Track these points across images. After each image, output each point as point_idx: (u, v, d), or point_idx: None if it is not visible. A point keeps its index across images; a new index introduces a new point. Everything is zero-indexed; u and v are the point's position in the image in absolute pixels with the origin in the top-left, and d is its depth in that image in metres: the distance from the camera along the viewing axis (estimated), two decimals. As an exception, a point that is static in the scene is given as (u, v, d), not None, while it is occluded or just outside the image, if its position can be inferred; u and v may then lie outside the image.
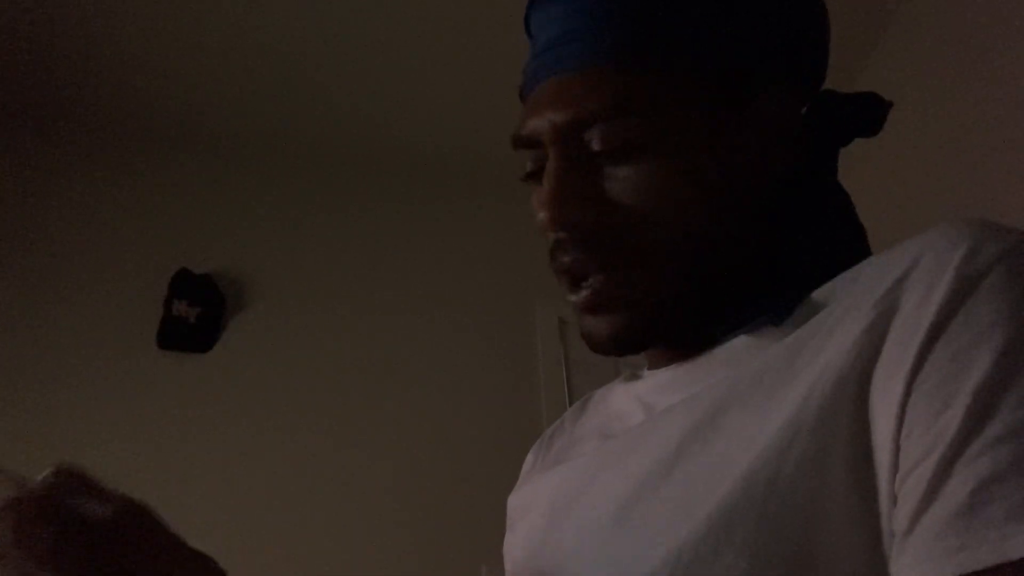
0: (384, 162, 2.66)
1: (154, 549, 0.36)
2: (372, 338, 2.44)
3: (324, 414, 2.28)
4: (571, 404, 2.74)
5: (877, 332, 0.40)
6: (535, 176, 0.55)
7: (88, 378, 2.12)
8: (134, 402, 2.13)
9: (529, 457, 0.72)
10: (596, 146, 0.50)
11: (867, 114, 0.55)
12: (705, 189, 0.50)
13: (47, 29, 2.07)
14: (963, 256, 0.39)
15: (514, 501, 0.64)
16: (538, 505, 0.56)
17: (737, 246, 0.52)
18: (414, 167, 2.69)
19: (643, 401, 0.56)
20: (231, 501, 2.08)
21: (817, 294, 0.48)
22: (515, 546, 0.59)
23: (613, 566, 0.44)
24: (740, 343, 0.50)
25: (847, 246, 0.53)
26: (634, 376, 0.63)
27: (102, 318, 2.19)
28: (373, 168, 2.66)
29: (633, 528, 0.44)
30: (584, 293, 0.51)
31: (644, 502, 0.44)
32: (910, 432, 0.37)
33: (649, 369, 0.60)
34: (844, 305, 0.44)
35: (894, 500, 0.37)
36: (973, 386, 0.36)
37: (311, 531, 2.10)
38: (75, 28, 2.07)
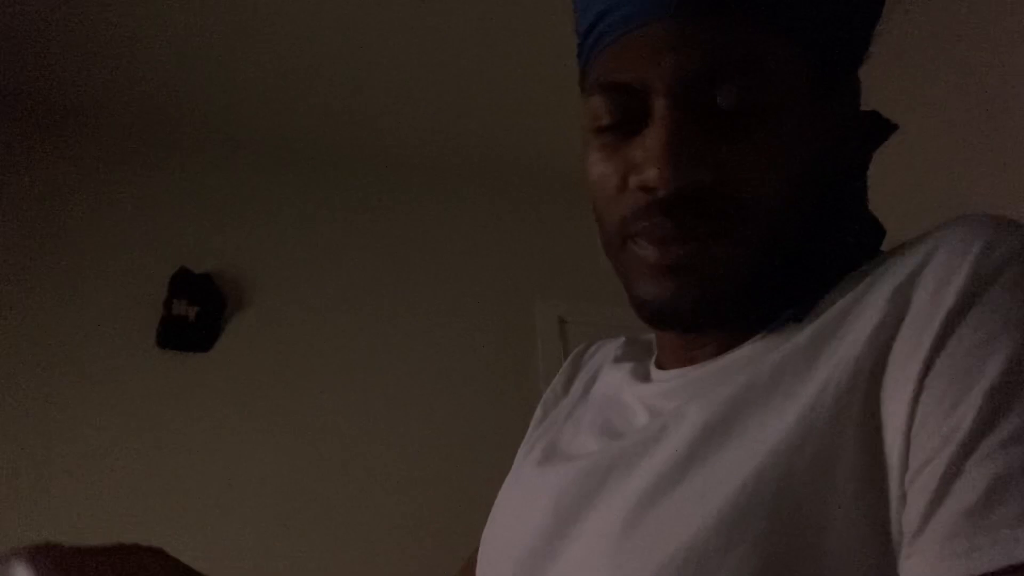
0: (384, 162, 2.66)
1: None
2: (372, 337, 2.44)
3: (324, 413, 2.28)
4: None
5: (889, 328, 0.40)
6: (616, 128, 0.49)
7: (88, 377, 2.11)
8: (134, 401, 2.12)
9: (523, 445, 0.70)
10: (726, 102, 0.45)
11: (878, 131, 0.54)
12: (804, 171, 0.48)
13: (47, 29, 2.07)
14: (977, 253, 0.39)
15: (506, 492, 0.62)
16: (539, 503, 0.54)
17: (808, 234, 0.50)
18: (415, 166, 2.69)
19: (649, 404, 0.54)
20: (231, 500, 2.08)
21: (835, 290, 0.47)
22: (505, 543, 0.56)
23: (624, 568, 0.43)
24: (758, 340, 0.49)
25: (868, 242, 0.53)
26: (637, 364, 0.61)
27: (102, 317, 2.19)
28: (373, 168, 2.66)
29: (645, 532, 0.43)
30: (674, 254, 0.47)
31: (656, 506, 0.44)
32: (921, 429, 0.37)
33: (658, 366, 0.59)
34: (860, 301, 0.43)
35: (904, 499, 0.37)
36: (986, 384, 0.35)
37: (310, 530, 2.10)
38: (75, 29, 2.07)
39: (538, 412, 0.70)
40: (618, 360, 0.64)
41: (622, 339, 0.64)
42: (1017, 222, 0.41)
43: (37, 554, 0.37)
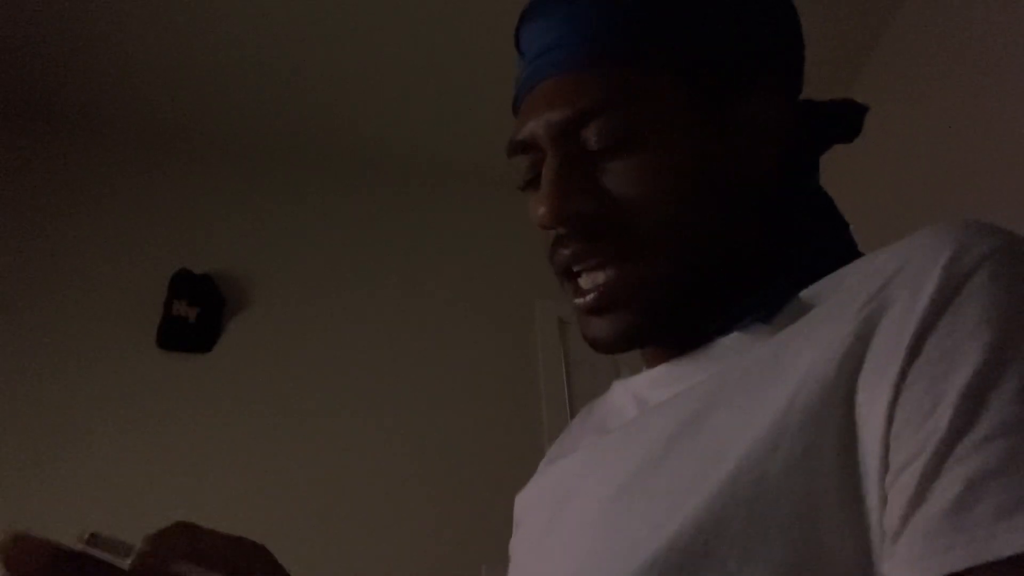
0: (384, 162, 2.66)
1: None
2: (371, 338, 2.44)
3: (323, 414, 2.29)
4: (571, 404, 2.73)
5: (864, 333, 0.40)
6: (533, 183, 0.56)
7: (88, 378, 2.12)
8: (134, 402, 2.13)
9: (541, 465, 0.73)
10: (593, 142, 0.51)
11: (845, 120, 0.56)
12: (693, 183, 0.51)
13: (47, 29, 2.07)
14: (949, 257, 0.39)
15: (519, 501, 0.65)
16: (539, 503, 0.57)
17: (727, 242, 0.52)
18: (414, 167, 2.69)
19: (637, 396, 0.57)
20: (231, 501, 2.08)
21: (805, 293, 0.48)
22: (518, 545, 0.60)
23: (603, 562, 0.44)
24: (730, 341, 0.51)
25: (834, 246, 0.54)
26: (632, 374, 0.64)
27: (102, 318, 2.20)
28: (373, 168, 2.66)
29: (620, 525, 0.44)
30: (590, 296, 0.52)
31: (631, 498, 0.45)
32: (899, 433, 0.37)
33: (647, 368, 0.61)
34: (831, 305, 0.44)
35: (884, 500, 0.38)
36: (961, 386, 0.36)
37: (310, 531, 2.10)
38: (76, 29, 2.07)
39: (554, 445, 0.72)
40: (620, 383, 0.67)
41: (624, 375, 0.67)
42: (991, 226, 0.42)
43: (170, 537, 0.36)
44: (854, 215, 0.61)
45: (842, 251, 0.53)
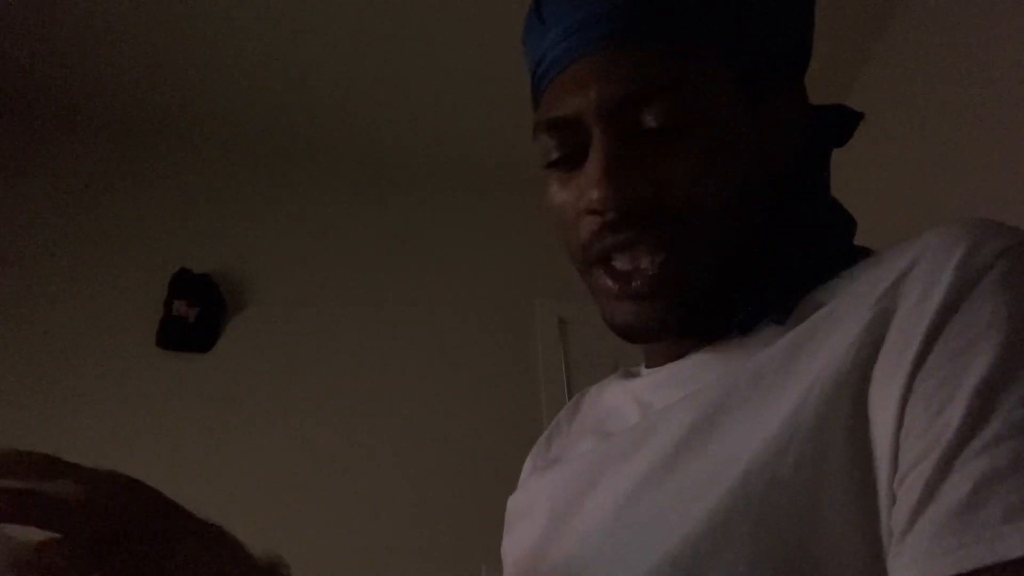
0: (384, 161, 2.66)
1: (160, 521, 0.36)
2: (371, 338, 2.44)
3: (323, 414, 2.28)
4: (571, 404, 2.70)
5: (876, 332, 0.40)
6: (563, 163, 0.53)
7: (88, 377, 2.11)
8: (134, 402, 2.13)
9: (528, 462, 0.72)
10: (652, 122, 0.48)
11: (843, 125, 0.56)
12: (737, 173, 0.50)
13: (47, 28, 2.07)
14: (962, 256, 0.39)
15: (513, 504, 0.64)
16: (538, 506, 0.56)
17: (756, 236, 0.52)
18: (414, 166, 2.69)
19: (640, 399, 0.56)
20: (230, 500, 2.08)
21: (817, 293, 0.48)
22: (513, 547, 0.59)
23: (613, 566, 0.44)
24: (741, 342, 0.50)
25: (844, 244, 0.54)
26: (630, 373, 0.63)
27: (102, 318, 2.19)
28: (373, 167, 2.66)
29: (633, 528, 0.44)
30: (636, 282, 0.50)
31: (644, 502, 0.44)
32: (909, 432, 0.37)
33: (647, 367, 0.60)
34: (843, 304, 0.44)
35: (893, 499, 0.37)
36: (971, 386, 0.36)
37: (310, 531, 2.10)
38: (75, 28, 2.07)
39: (539, 444, 0.71)
40: (617, 379, 0.66)
41: (621, 370, 0.66)
42: (1002, 225, 0.42)
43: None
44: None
45: (852, 250, 0.53)
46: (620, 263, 0.50)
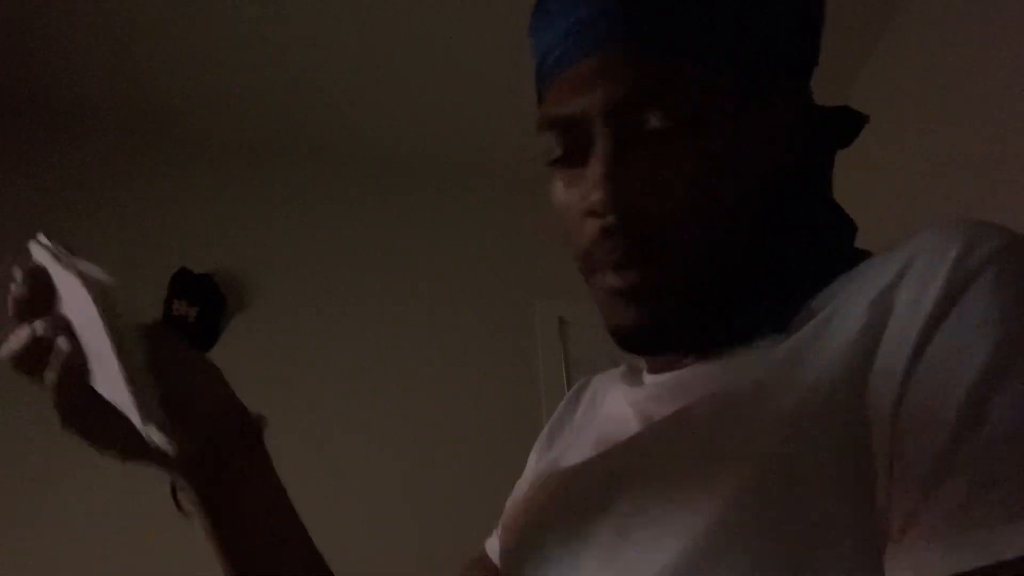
0: (384, 162, 2.66)
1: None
2: (372, 338, 2.44)
3: (324, 414, 2.28)
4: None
5: (872, 334, 0.40)
6: (566, 161, 0.53)
7: (88, 378, 2.11)
8: (134, 402, 2.12)
9: (532, 456, 0.72)
10: (656, 124, 0.48)
11: (846, 127, 0.55)
12: (739, 178, 0.50)
13: (47, 29, 2.07)
14: (955, 257, 0.39)
15: (514, 505, 0.64)
16: (534, 515, 0.56)
17: (757, 240, 0.51)
18: (414, 167, 2.69)
19: (641, 410, 0.55)
20: (231, 501, 2.08)
21: (815, 299, 0.48)
22: (516, 551, 0.57)
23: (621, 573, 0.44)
24: (742, 351, 0.50)
25: (844, 250, 0.53)
26: (631, 375, 0.63)
27: (102, 318, 2.19)
28: (373, 168, 2.66)
29: (635, 540, 0.44)
30: (637, 293, 0.49)
31: (645, 513, 0.44)
32: (905, 434, 0.37)
33: (649, 371, 0.59)
34: (841, 309, 0.44)
35: (890, 502, 0.37)
36: (966, 388, 0.36)
37: (311, 528, 2.10)
38: (76, 29, 2.07)
39: (542, 437, 0.71)
40: (619, 380, 0.65)
41: (624, 366, 0.65)
42: (995, 225, 0.42)
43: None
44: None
45: (851, 254, 0.52)
46: (620, 273, 0.50)
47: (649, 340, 0.51)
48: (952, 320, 0.38)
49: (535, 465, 0.70)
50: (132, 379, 0.43)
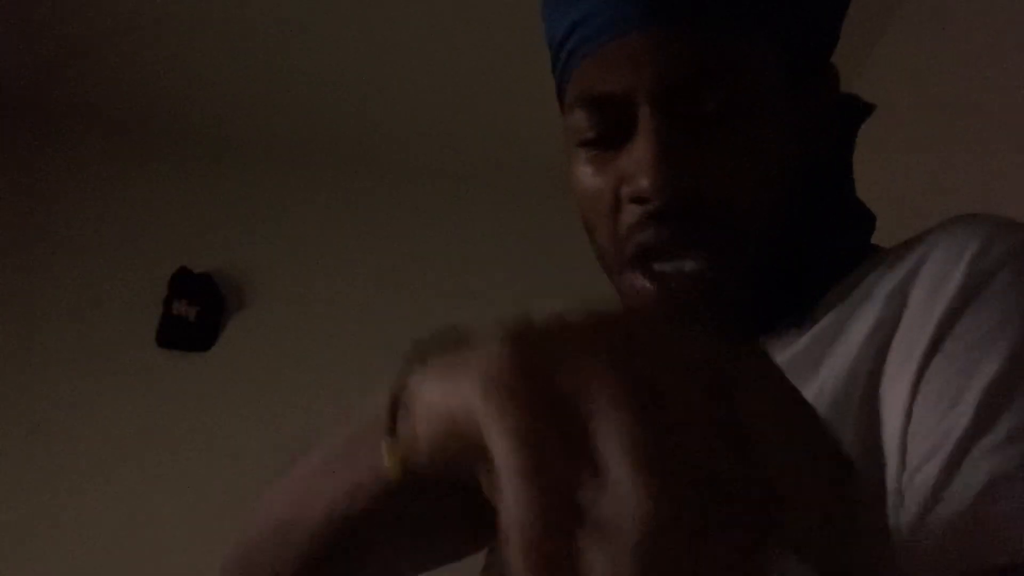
0: (384, 162, 2.66)
1: None
2: (372, 338, 2.43)
3: (323, 414, 2.28)
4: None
5: (887, 328, 0.40)
6: (602, 141, 0.48)
7: (87, 376, 2.11)
8: (133, 401, 2.12)
9: None
10: (710, 107, 0.45)
11: (857, 115, 0.55)
12: (789, 164, 0.48)
13: (47, 29, 2.07)
14: (974, 253, 0.39)
15: None
16: None
17: (788, 232, 0.49)
18: (415, 167, 2.69)
19: None
20: (230, 500, 2.08)
21: (833, 293, 0.47)
22: None
23: None
24: (763, 342, 0.49)
25: (863, 241, 0.53)
26: None
27: (101, 317, 2.19)
28: (373, 168, 2.66)
29: None
30: (677, 285, 0.46)
31: None
32: (918, 429, 0.37)
33: None
34: (858, 304, 0.43)
35: (902, 497, 0.37)
36: (982, 385, 0.35)
37: (311, 531, 2.10)
38: (75, 29, 2.07)
39: None
40: None
41: None
42: (1012, 222, 0.41)
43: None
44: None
45: (869, 245, 0.52)
46: (659, 263, 0.46)
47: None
48: (969, 317, 0.37)
49: None
50: None
